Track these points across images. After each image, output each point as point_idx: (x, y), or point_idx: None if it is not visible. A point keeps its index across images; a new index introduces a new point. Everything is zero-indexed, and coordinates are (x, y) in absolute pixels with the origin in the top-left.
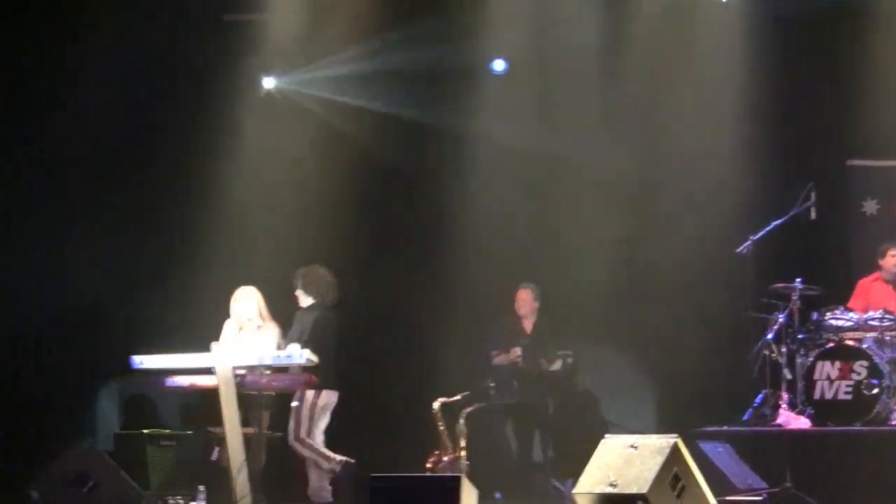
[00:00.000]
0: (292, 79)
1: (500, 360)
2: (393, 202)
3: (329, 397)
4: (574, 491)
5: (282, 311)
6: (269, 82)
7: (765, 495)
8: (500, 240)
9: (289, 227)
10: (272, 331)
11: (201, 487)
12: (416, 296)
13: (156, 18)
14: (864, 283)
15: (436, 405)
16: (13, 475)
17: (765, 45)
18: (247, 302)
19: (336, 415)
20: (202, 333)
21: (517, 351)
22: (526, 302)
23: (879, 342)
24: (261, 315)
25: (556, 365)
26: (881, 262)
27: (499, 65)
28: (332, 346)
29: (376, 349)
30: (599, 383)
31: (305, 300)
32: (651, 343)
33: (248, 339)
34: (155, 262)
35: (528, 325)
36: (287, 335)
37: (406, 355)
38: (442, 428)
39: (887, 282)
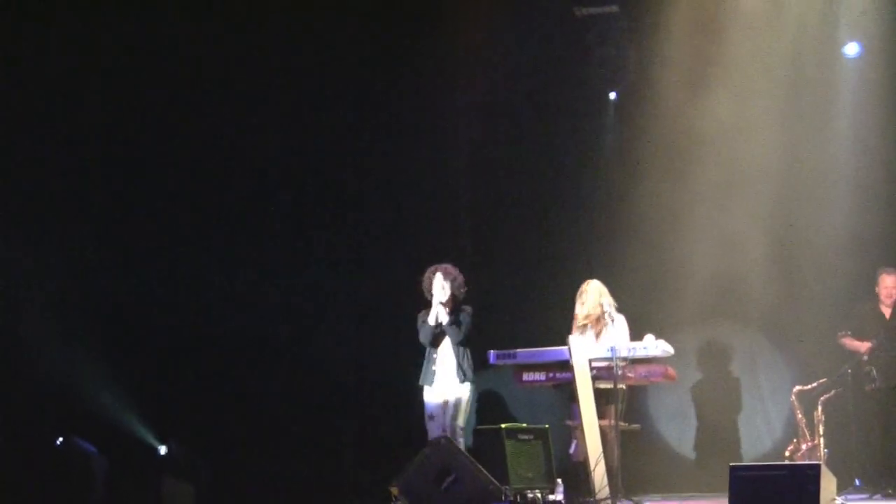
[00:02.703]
0: None
1: (849, 344)
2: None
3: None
4: None
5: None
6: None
7: None
8: (855, 223)
9: (637, 225)
10: (622, 322)
11: (559, 481)
12: (770, 281)
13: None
14: None
15: (793, 393)
16: (374, 472)
17: None
18: (593, 295)
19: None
20: (555, 328)
21: (866, 344)
22: (890, 287)
23: None
24: (609, 307)
25: None
26: None
27: (852, 48)
28: None
29: (734, 336)
30: None
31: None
32: None
33: (597, 332)
34: (504, 259)
35: (887, 310)
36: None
37: (763, 343)
38: (800, 416)
39: None
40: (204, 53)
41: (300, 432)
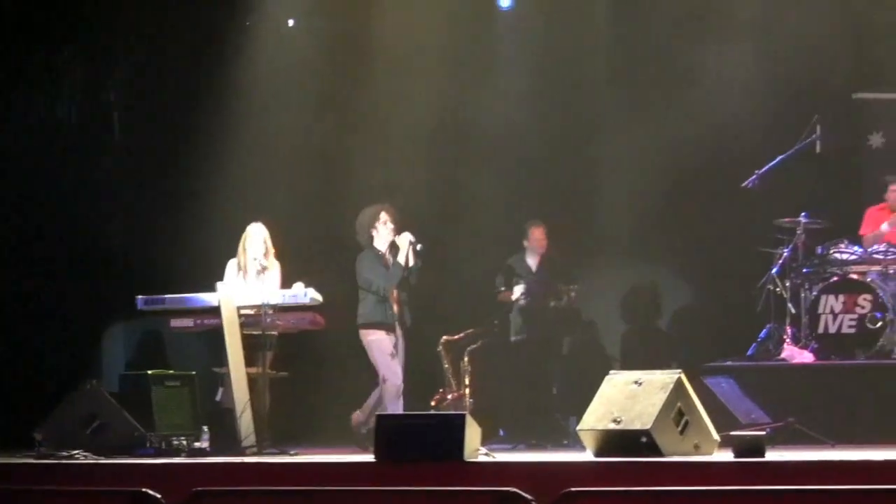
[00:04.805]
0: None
1: (505, 297)
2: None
3: None
4: (578, 428)
5: (286, 250)
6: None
7: (769, 429)
8: (509, 175)
9: (294, 166)
10: (276, 270)
11: (205, 427)
12: (422, 232)
13: None
14: (871, 212)
15: (441, 343)
16: (19, 418)
17: None
18: (257, 239)
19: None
20: (210, 273)
21: (520, 289)
22: (538, 239)
23: (884, 276)
24: (266, 254)
25: (561, 301)
26: (886, 196)
27: (505, 0)
28: None
29: None
30: (607, 319)
31: None
32: (657, 279)
33: (253, 278)
34: (162, 202)
35: (533, 262)
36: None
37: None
38: (446, 366)
39: (894, 211)
40: None
41: None
